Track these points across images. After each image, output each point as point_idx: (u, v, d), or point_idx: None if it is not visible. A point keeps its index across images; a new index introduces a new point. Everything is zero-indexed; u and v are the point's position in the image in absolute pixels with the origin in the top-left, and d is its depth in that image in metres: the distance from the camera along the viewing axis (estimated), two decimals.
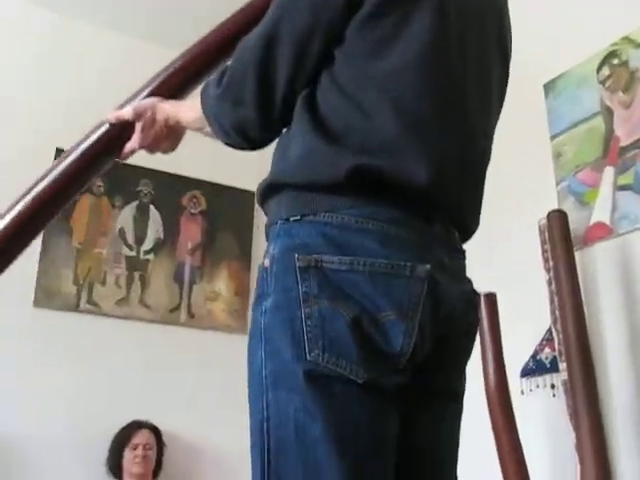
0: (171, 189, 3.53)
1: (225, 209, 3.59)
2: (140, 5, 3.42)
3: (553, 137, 2.28)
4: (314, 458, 0.92)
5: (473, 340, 1.14)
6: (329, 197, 0.99)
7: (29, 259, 3.12)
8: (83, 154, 1.16)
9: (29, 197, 1.14)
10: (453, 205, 1.06)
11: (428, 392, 1.05)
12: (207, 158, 3.29)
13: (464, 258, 1.12)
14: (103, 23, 3.48)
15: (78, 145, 1.18)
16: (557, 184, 2.22)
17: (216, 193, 3.60)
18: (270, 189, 1.05)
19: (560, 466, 2.01)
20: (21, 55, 3.38)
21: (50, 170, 1.15)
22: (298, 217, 1.00)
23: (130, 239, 3.41)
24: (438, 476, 1.09)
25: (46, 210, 1.16)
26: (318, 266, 0.96)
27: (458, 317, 1.05)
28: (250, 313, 1.04)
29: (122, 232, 3.41)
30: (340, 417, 0.93)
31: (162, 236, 3.48)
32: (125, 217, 3.42)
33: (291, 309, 0.95)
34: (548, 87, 2.34)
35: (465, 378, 1.14)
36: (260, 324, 0.99)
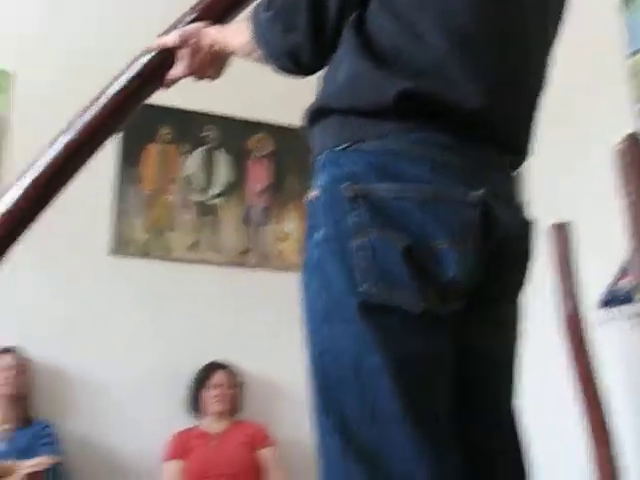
0: (237, 133, 3.51)
1: (291, 150, 3.55)
2: None
3: (632, 54, 2.13)
4: (372, 389, 0.91)
5: (528, 268, 1.09)
6: (376, 123, 0.95)
7: (101, 207, 3.23)
8: (125, 86, 1.14)
9: (79, 124, 1.13)
10: (507, 129, 1.01)
11: (483, 319, 1.02)
12: (271, 100, 3.29)
13: (518, 183, 1.07)
14: None
15: (119, 76, 1.16)
16: (635, 104, 2.08)
17: (282, 135, 3.55)
18: (317, 114, 1.02)
19: (636, 396, 1.96)
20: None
21: (92, 103, 1.14)
22: (344, 146, 0.97)
23: (198, 184, 3.43)
24: (493, 404, 1.06)
25: (95, 140, 1.15)
26: (367, 195, 0.93)
27: (513, 243, 1.01)
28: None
29: (190, 178, 3.43)
30: (397, 348, 0.91)
31: (230, 180, 3.49)
32: (192, 163, 3.44)
33: (342, 240, 0.94)
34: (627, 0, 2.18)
35: (520, 309, 1.10)
36: (312, 256, 0.98)
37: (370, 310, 0.91)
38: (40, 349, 3.05)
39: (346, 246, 0.93)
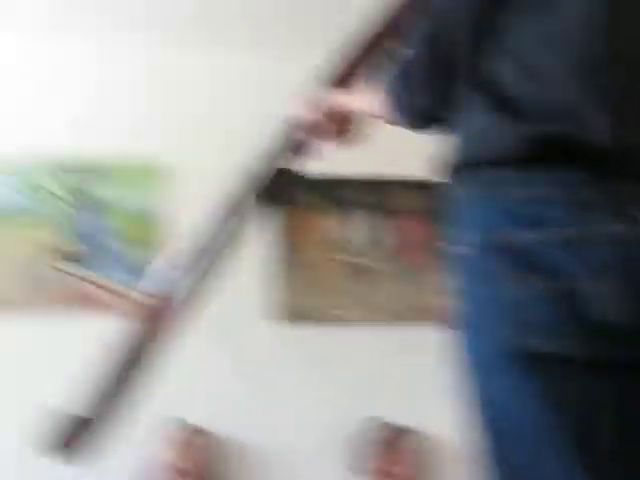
0: (381, 193, 3.58)
1: (437, 205, 3.54)
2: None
3: None
4: (535, 442, 0.90)
5: None
6: (509, 172, 0.96)
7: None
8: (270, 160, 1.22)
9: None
10: None
11: None
12: (411, 156, 3.30)
13: None
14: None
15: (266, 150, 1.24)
16: None
17: (428, 190, 3.56)
18: (449, 169, 1.05)
19: None
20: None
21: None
22: (480, 196, 0.99)
23: (353, 247, 3.51)
24: None
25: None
26: (508, 244, 0.94)
27: None
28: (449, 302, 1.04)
29: (344, 240, 3.52)
30: (559, 397, 0.90)
31: (382, 239, 3.55)
32: (346, 226, 3.53)
33: (488, 291, 0.95)
34: None
35: None
36: (459, 310, 0.99)
37: (526, 360, 0.91)
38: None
39: (494, 296, 0.93)
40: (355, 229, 3.54)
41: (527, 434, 0.90)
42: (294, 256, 3.44)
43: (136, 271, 3.19)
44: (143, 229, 3.32)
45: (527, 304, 0.91)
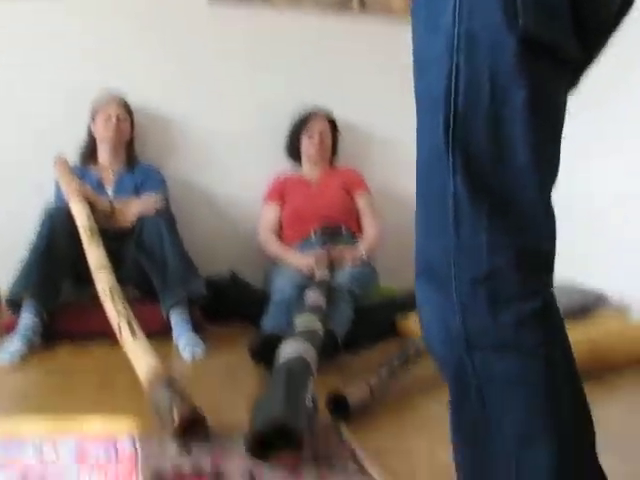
0: None
1: None
2: None
3: None
4: (506, 128, 0.87)
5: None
6: None
7: None
8: None
9: None
10: None
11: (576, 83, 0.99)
12: None
13: None
14: None
15: None
16: None
17: None
18: None
19: None
20: None
21: None
22: None
23: None
24: None
25: None
26: None
27: None
28: None
29: None
30: (541, 90, 0.87)
31: None
32: None
33: None
34: None
35: None
36: None
37: (526, 47, 0.84)
38: (143, 97, 3.25)
39: None
40: None
41: (496, 117, 0.87)
42: None
43: None
44: None
45: None
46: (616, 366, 2.54)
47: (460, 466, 0.98)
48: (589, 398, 0.92)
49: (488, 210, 0.88)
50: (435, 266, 0.92)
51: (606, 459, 0.92)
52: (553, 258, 0.93)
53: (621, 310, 2.92)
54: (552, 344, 0.91)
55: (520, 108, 0.86)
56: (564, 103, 0.93)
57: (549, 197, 0.92)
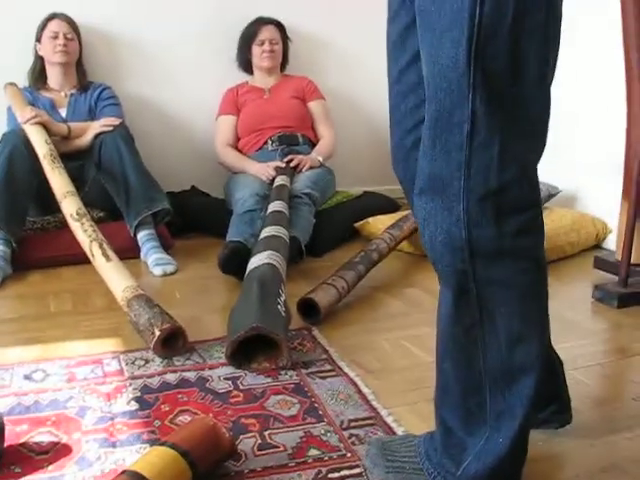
0: None
1: None
2: None
3: None
4: (524, 42, 0.93)
5: None
6: None
7: None
8: None
9: None
10: None
11: None
12: None
13: None
14: None
15: None
16: None
17: None
18: None
19: None
20: None
21: None
22: None
23: None
24: None
25: None
26: None
27: None
28: None
29: None
30: (556, 13, 0.96)
31: None
32: None
33: None
34: None
35: None
36: None
37: None
38: (89, 14, 3.17)
39: None
40: None
41: (518, 34, 0.92)
42: None
43: None
44: None
45: None
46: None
47: (444, 372, 1.11)
48: None
49: (500, 125, 0.96)
50: (444, 182, 1.00)
51: None
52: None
53: (569, 203, 3.06)
54: (541, 246, 1.05)
55: (540, 23, 0.93)
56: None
57: (549, 112, 1.01)
